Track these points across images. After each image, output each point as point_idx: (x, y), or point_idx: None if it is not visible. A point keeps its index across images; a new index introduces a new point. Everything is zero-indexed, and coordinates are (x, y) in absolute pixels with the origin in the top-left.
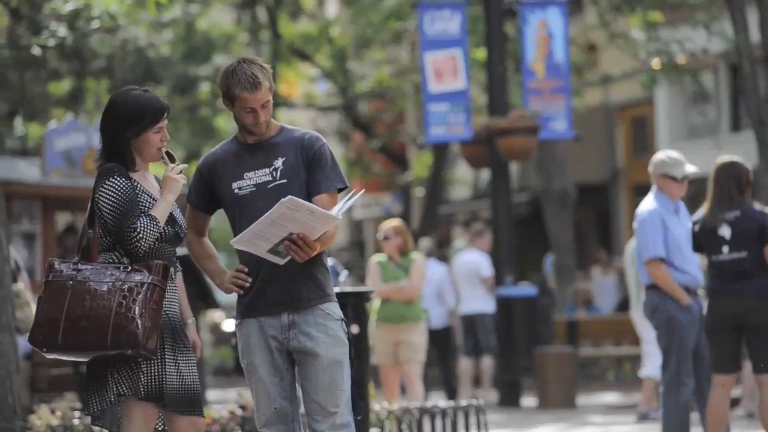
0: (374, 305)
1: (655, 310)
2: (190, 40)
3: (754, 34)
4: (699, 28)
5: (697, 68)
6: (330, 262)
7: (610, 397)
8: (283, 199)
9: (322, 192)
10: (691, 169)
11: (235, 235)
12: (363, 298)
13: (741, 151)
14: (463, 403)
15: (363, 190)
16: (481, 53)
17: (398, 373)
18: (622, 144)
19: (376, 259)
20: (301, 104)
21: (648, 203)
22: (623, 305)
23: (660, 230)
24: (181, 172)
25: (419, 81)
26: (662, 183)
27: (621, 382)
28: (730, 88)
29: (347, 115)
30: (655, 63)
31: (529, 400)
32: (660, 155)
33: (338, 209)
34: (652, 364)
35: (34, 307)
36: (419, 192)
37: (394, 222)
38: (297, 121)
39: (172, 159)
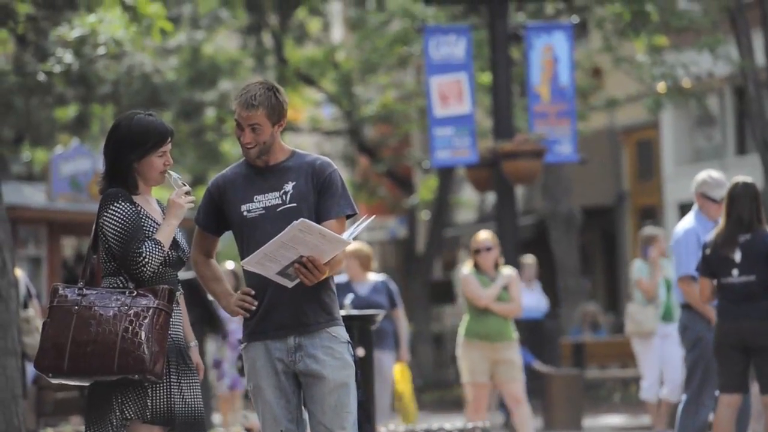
0: (464, 320)
1: (686, 329)
2: (195, 66)
3: (760, 58)
4: (704, 52)
5: (702, 92)
6: (381, 277)
7: (617, 419)
8: (295, 222)
9: (331, 218)
10: None
11: (242, 258)
12: (368, 321)
13: (746, 175)
14: (470, 425)
15: (373, 216)
16: (486, 77)
17: (488, 393)
18: (627, 167)
19: (467, 270)
20: (307, 128)
21: (686, 222)
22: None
23: (694, 249)
24: (188, 194)
25: (424, 105)
26: (702, 202)
27: (627, 404)
28: (736, 111)
29: (353, 139)
30: (661, 87)
31: (535, 422)
32: (702, 175)
33: (349, 234)
34: (642, 386)
35: None
36: (425, 215)
37: (489, 234)
38: (302, 146)
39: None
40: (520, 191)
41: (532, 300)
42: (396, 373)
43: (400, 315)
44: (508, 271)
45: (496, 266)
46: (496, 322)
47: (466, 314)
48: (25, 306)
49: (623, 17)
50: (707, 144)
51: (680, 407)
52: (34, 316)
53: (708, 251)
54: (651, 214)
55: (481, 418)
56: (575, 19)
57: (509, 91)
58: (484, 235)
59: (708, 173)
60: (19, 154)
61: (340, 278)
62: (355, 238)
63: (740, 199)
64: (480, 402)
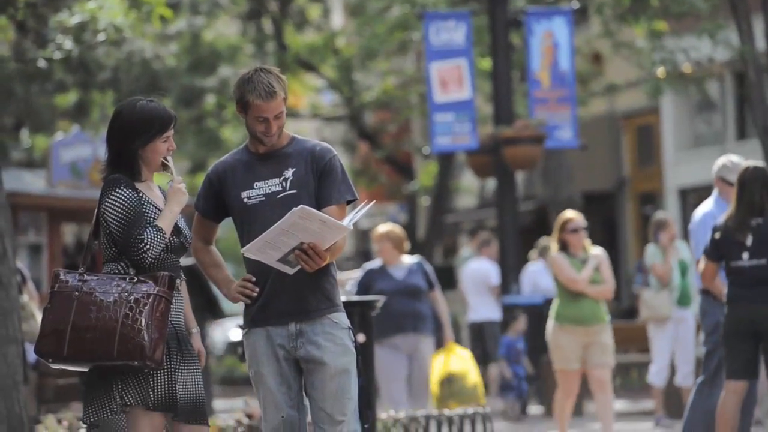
0: (554, 304)
1: (705, 315)
2: (195, 52)
3: (760, 43)
4: (704, 37)
5: (702, 77)
6: (416, 258)
7: (618, 405)
8: (294, 209)
9: (331, 204)
10: None
11: (242, 245)
12: (369, 307)
13: (747, 160)
14: (470, 410)
15: (373, 201)
16: (486, 63)
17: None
18: (627, 153)
19: (555, 251)
20: (307, 115)
21: (705, 206)
22: (630, 312)
23: (711, 232)
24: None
25: (425, 91)
26: (721, 186)
27: (628, 390)
28: (736, 96)
29: (353, 125)
30: (661, 72)
31: (535, 408)
32: (722, 159)
33: (349, 220)
34: (650, 369)
35: (39, 318)
36: (425, 201)
37: (578, 214)
38: (303, 132)
39: (165, 166)
40: (520, 177)
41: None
42: (445, 355)
43: (438, 296)
44: (596, 250)
45: (583, 248)
46: (590, 305)
47: (555, 298)
48: (19, 291)
49: (623, 2)
50: (707, 129)
51: (694, 388)
52: (29, 301)
53: (718, 235)
54: (651, 199)
55: (571, 404)
56: (575, 4)
57: (509, 76)
58: (574, 214)
59: (728, 157)
60: (20, 141)
61: (374, 263)
62: (355, 224)
63: (751, 183)
64: (572, 388)
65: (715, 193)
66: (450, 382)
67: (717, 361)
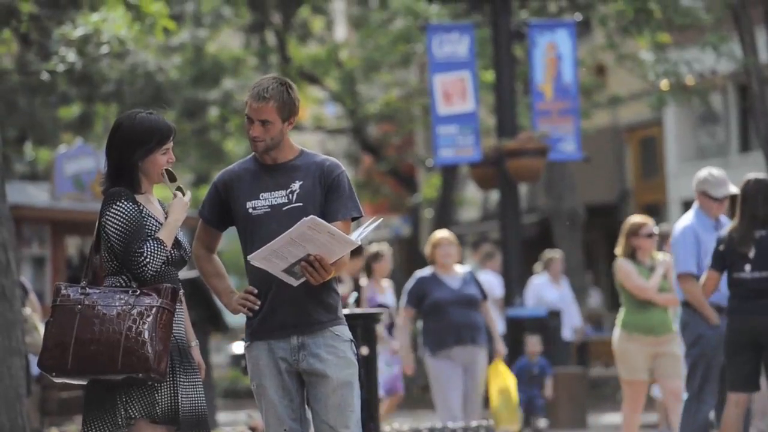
0: (621, 312)
1: (686, 327)
2: (198, 64)
3: (763, 55)
4: (707, 49)
5: (705, 89)
6: (468, 267)
7: (620, 418)
8: (305, 219)
9: (338, 219)
10: (733, 189)
11: (245, 255)
12: (372, 319)
13: (749, 172)
14: (473, 423)
15: (381, 219)
16: (489, 75)
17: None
18: (630, 165)
19: (622, 258)
20: (310, 127)
21: (686, 219)
22: None
23: (693, 246)
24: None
25: (428, 103)
26: (702, 200)
27: None
28: (739, 108)
29: (356, 137)
30: (664, 84)
31: (539, 421)
32: (703, 173)
33: (358, 234)
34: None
35: (42, 330)
36: (428, 213)
37: (648, 218)
38: (306, 144)
39: (172, 177)
40: (523, 189)
41: (561, 296)
42: (492, 371)
43: (489, 307)
44: (662, 256)
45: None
46: (659, 313)
47: (623, 306)
48: (22, 304)
49: (626, 14)
50: (710, 141)
51: (682, 407)
52: (32, 313)
53: (722, 247)
54: (655, 211)
55: (638, 417)
56: (578, 16)
57: (512, 89)
58: (644, 219)
59: (709, 171)
60: (23, 154)
61: (425, 271)
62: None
63: (754, 196)
64: (638, 400)
65: (695, 206)
66: (505, 397)
67: (701, 376)
